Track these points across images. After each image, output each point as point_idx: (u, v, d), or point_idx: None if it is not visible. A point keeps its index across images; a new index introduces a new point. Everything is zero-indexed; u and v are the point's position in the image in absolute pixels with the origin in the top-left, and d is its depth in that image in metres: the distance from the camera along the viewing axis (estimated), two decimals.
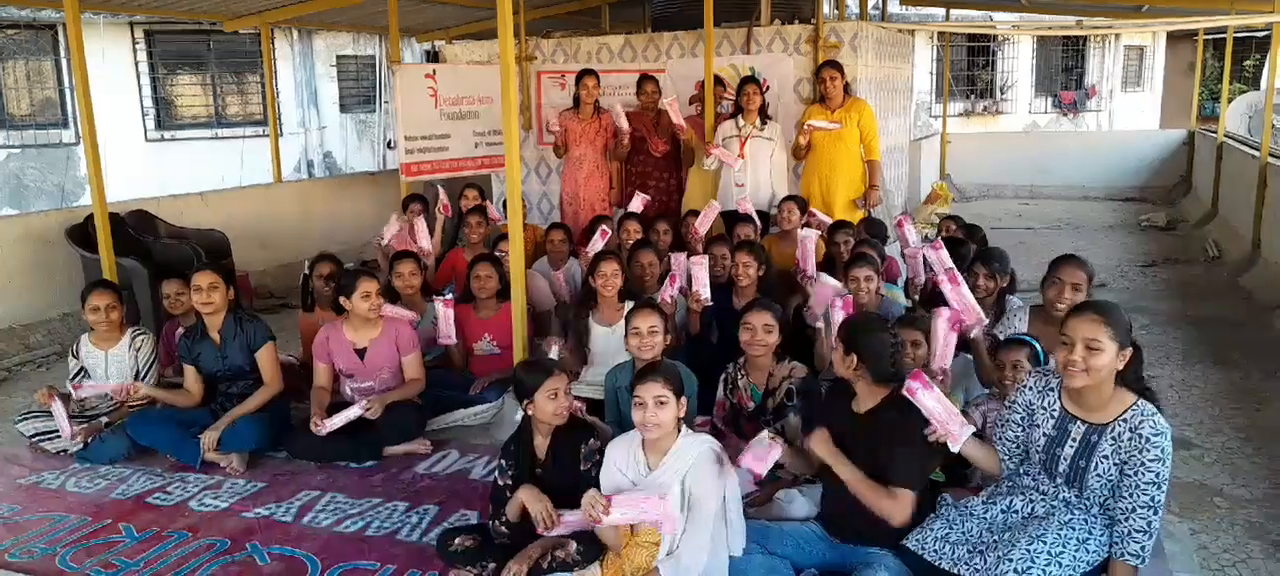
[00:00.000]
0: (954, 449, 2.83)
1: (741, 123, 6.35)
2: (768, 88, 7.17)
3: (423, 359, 4.62)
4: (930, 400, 2.81)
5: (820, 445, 2.98)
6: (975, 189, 13.10)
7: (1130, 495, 2.54)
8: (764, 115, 6.39)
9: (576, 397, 3.41)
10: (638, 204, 6.11)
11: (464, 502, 3.81)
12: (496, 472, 3.26)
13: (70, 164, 11.80)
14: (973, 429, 2.86)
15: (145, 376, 4.57)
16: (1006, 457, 2.89)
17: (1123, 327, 2.59)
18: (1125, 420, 2.58)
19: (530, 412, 3.14)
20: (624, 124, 6.36)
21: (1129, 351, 2.60)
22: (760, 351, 3.71)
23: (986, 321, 3.86)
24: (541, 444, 3.19)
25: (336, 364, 4.46)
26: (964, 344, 3.83)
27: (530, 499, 3.00)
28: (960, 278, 3.85)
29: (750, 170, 6.33)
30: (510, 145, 4.29)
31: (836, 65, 6.37)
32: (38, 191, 11.70)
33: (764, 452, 2.95)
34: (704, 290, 4.56)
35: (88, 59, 5.19)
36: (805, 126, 6.22)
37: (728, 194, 6.35)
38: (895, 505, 2.83)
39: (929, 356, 3.58)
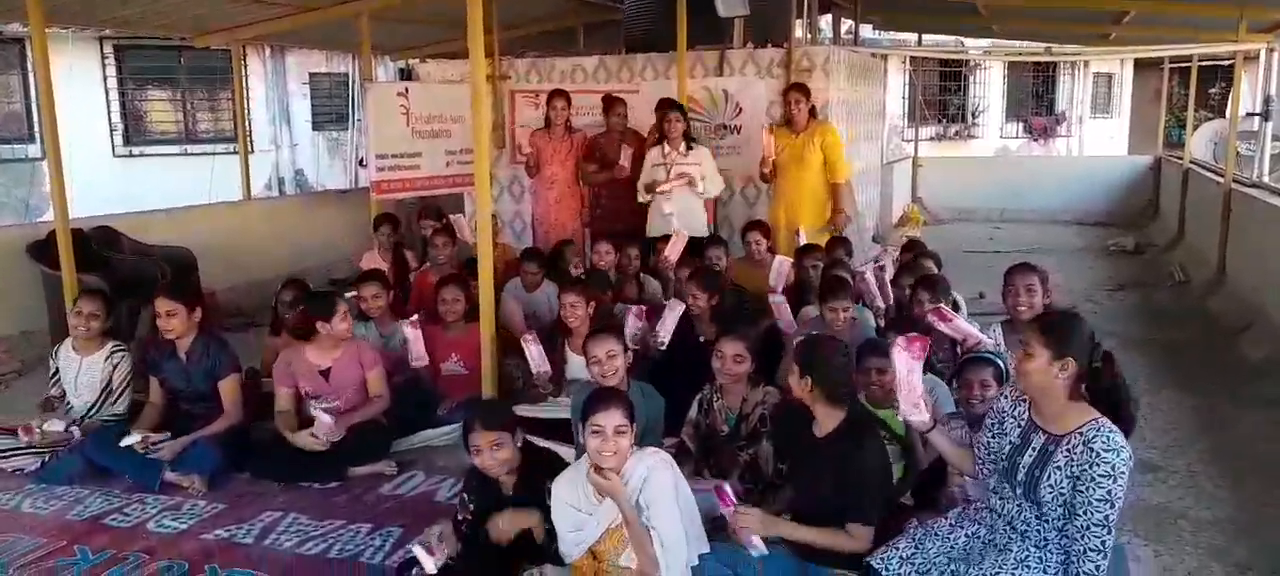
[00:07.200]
0: (917, 422, 2.91)
1: (666, 150, 6.20)
2: (740, 110, 7.20)
3: (389, 378, 4.58)
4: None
5: (762, 523, 2.91)
6: (947, 212, 13.20)
7: (1083, 513, 2.53)
8: (688, 140, 6.26)
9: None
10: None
11: (428, 525, 3.74)
12: (458, 505, 3.21)
13: (35, 179, 11.59)
14: (925, 417, 2.91)
15: (119, 395, 4.58)
16: (980, 462, 2.88)
17: (1060, 339, 2.57)
18: (1081, 433, 2.57)
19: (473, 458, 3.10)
20: (626, 163, 6.25)
21: (1070, 363, 2.57)
22: (729, 379, 3.70)
23: (988, 340, 3.90)
24: (507, 480, 3.13)
25: (302, 386, 4.42)
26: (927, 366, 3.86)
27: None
28: (949, 311, 3.98)
29: (677, 197, 6.14)
30: (480, 166, 4.26)
31: (802, 88, 6.34)
32: (1, 206, 11.50)
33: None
34: (665, 333, 4.50)
35: (55, 73, 5.13)
36: (765, 144, 6.15)
37: (655, 223, 6.24)
38: (854, 543, 2.89)
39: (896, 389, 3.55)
